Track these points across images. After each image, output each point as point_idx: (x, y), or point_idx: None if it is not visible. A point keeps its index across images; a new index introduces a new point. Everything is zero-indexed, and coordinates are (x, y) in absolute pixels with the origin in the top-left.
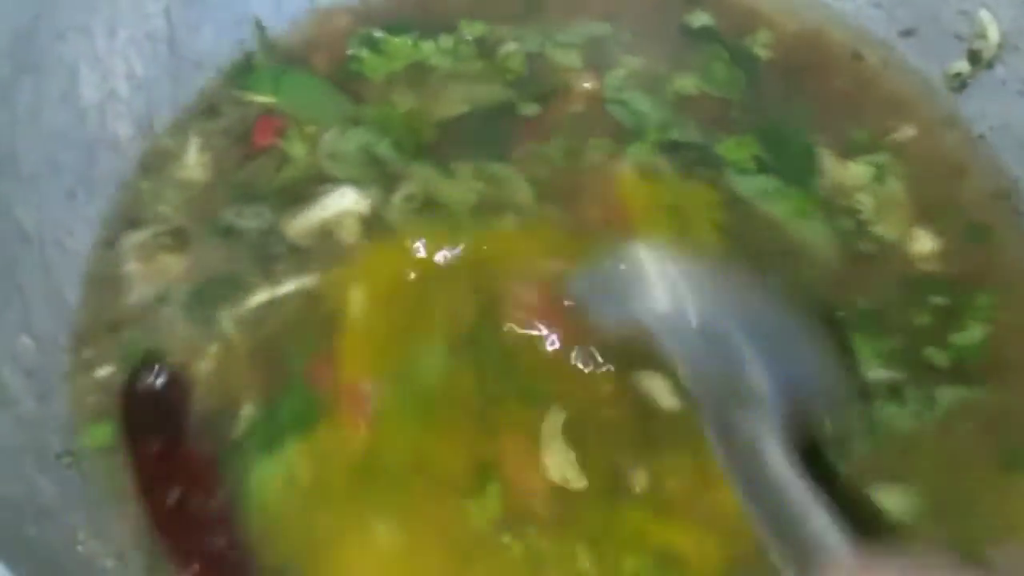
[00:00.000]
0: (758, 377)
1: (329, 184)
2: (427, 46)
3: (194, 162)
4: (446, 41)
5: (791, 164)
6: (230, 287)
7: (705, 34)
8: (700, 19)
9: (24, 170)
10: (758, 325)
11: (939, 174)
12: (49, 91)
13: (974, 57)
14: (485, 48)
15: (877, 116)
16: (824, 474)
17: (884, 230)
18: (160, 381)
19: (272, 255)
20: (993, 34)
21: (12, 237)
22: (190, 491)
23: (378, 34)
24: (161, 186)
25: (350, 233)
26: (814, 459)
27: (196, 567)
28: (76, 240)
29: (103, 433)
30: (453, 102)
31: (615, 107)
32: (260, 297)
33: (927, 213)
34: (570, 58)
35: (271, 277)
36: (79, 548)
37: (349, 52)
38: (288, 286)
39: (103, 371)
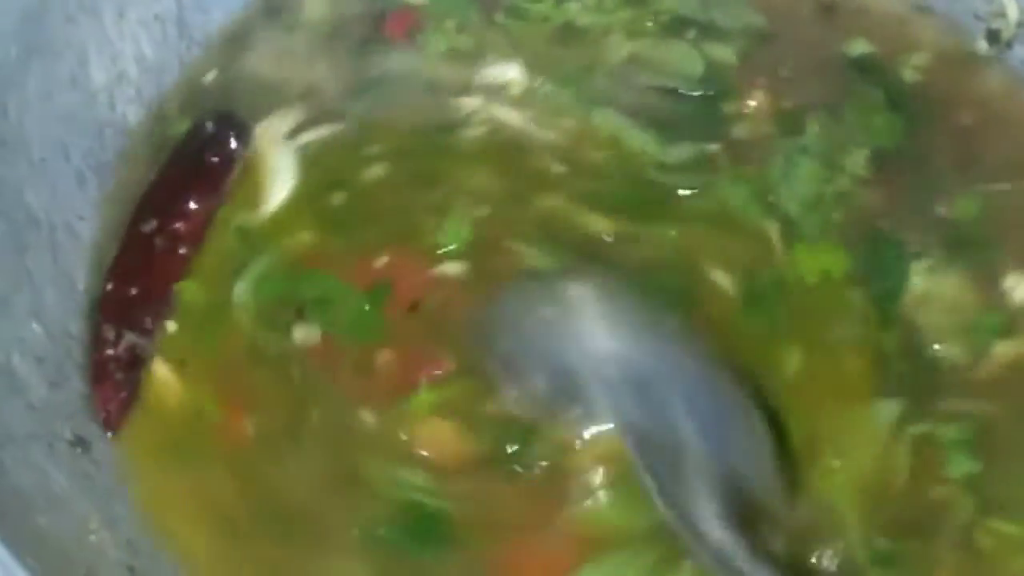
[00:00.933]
0: (692, 435)
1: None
2: (571, 6)
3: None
4: None
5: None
6: None
7: (863, 66)
8: (858, 47)
9: (34, 154)
10: (692, 382)
11: None
12: (59, 74)
13: (993, 37)
14: None
15: None
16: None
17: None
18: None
19: None
20: (1013, 13)
21: (22, 222)
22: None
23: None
24: None
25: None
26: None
27: None
28: (86, 224)
29: None
30: None
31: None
32: None
33: None
34: (726, 53)
35: None
36: (91, 538)
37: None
38: None
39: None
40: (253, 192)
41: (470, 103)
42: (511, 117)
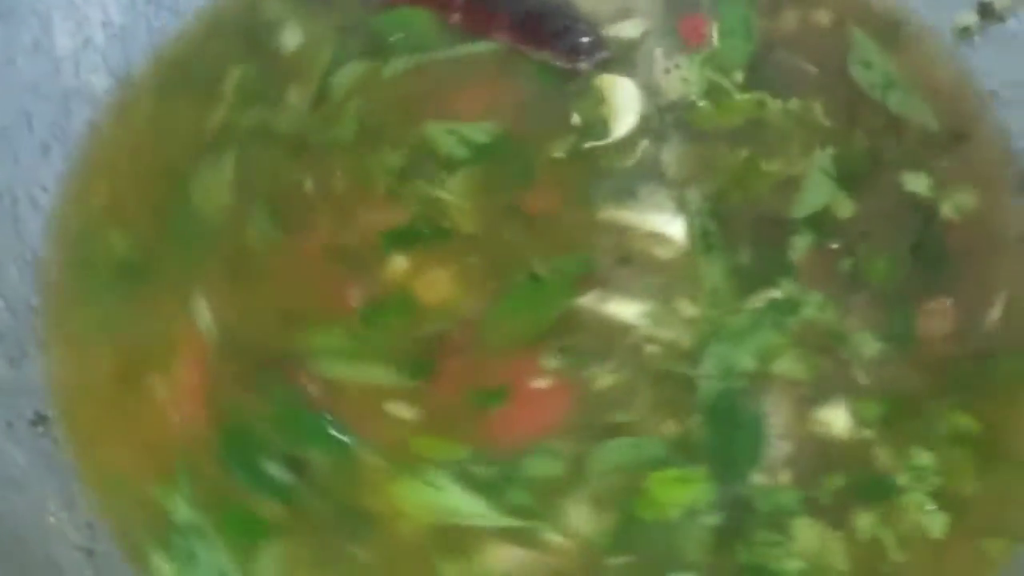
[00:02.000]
0: None
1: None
2: (774, 104)
3: None
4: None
5: None
6: None
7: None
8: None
9: None
10: None
11: None
12: (21, 40)
13: (984, 10)
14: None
15: None
16: None
17: None
18: None
19: None
20: None
21: None
22: None
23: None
24: None
25: None
26: None
27: None
28: (49, 196)
29: None
30: None
31: None
32: None
33: None
34: None
35: None
36: (50, 520)
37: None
38: None
39: None
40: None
41: None
42: None
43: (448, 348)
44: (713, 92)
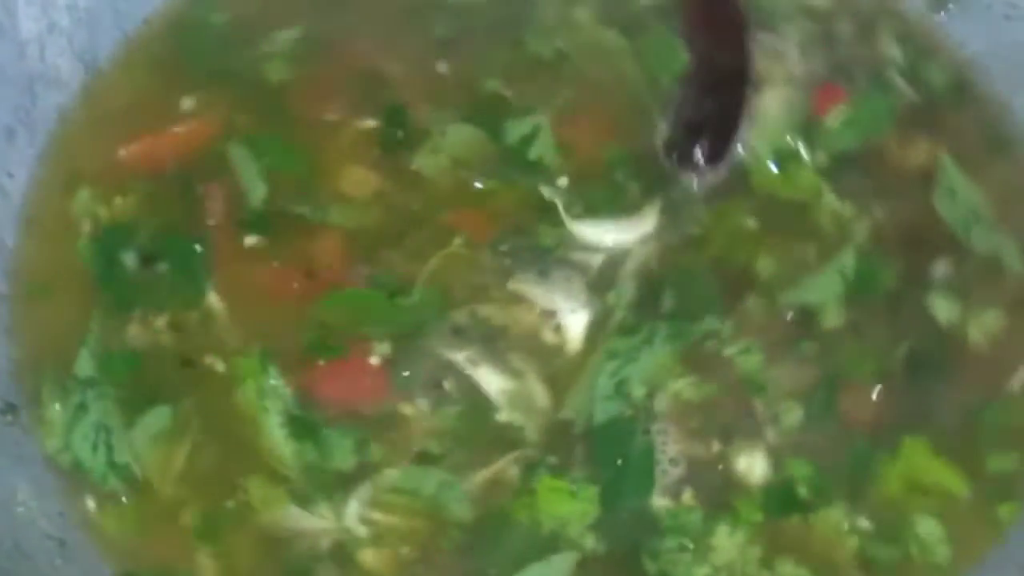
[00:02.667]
0: None
1: None
2: (829, 198)
3: None
4: None
5: None
6: None
7: None
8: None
9: None
10: None
11: None
12: None
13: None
14: None
15: None
16: None
17: None
18: None
19: None
20: None
21: None
22: None
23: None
24: None
25: None
26: None
27: None
28: (15, 182)
29: None
30: None
31: None
32: None
33: None
34: None
35: None
36: (19, 510)
37: None
38: None
39: None
40: None
41: None
42: None
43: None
44: (788, 159)
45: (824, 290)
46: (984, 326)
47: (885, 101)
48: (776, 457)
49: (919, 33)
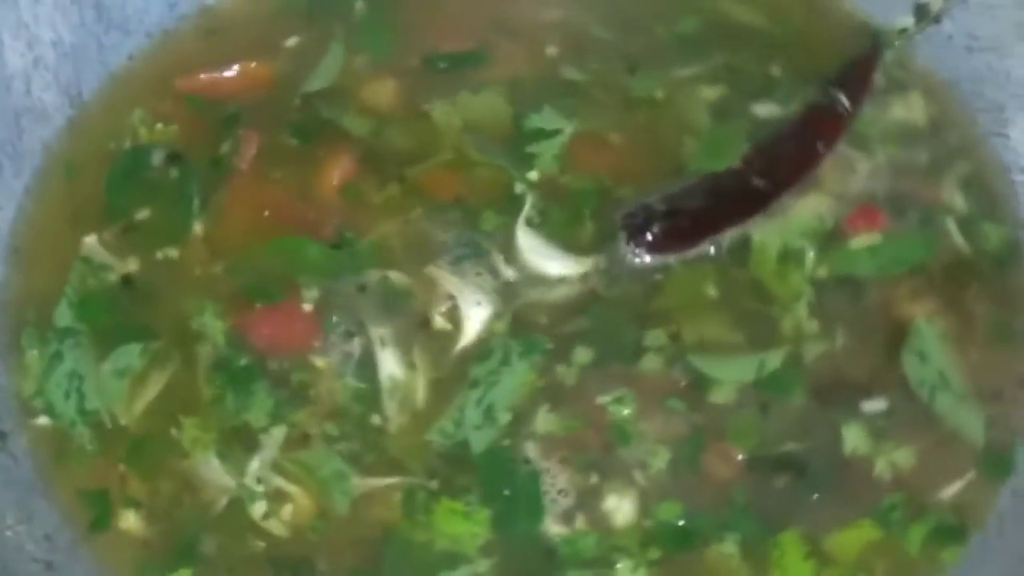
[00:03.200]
0: None
1: None
2: (802, 314)
3: None
4: None
5: None
6: None
7: None
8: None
9: None
10: None
11: None
12: None
13: (920, 11)
14: None
15: None
16: None
17: None
18: None
19: None
20: None
21: None
22: None
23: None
24: None
25: None
26: None
27: None
28: (3, 214)
29: None
30: None
31: None
32: None
33: None
34: None
35: None
36: (7, 534)
37: None
38: None
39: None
40: None
41: None
42: None
43: None
44: (789, 258)
45: (733, 372)
46: (892, 463)
47: (924, 246)
48: (644, 499)
49: (988, 189)
